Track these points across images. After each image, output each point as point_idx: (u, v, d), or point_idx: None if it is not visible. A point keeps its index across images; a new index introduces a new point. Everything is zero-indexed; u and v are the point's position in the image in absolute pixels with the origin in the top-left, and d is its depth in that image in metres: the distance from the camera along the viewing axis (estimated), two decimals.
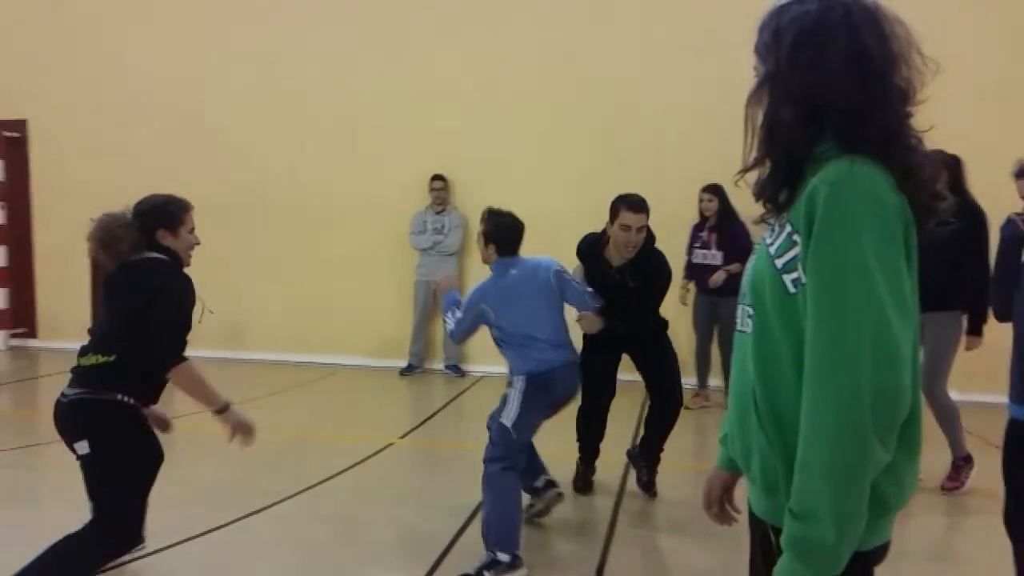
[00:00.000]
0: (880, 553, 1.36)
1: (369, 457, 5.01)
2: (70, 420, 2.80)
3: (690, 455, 5.74)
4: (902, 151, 1.32)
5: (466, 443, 5.45)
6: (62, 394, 2.85)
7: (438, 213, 7.71)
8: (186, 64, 8.26)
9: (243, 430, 2.96)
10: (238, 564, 3.48)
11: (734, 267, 6.20)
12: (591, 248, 4.32)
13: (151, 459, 2.87)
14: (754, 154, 1.41)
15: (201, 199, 8.85)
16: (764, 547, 1.39)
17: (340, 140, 8.03)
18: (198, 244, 3.11)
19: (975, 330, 4.41)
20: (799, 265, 1.30)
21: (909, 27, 1.35)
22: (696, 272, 6.54)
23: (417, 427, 5.93)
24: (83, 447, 2.75)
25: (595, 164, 7.34)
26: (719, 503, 1.63)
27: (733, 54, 8.45)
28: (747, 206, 1.43)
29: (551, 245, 4.45)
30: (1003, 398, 5.28)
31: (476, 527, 3.61)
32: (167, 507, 3.25)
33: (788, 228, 1.33)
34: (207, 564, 3.45)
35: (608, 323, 3.97)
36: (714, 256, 6.40)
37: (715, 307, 6.44)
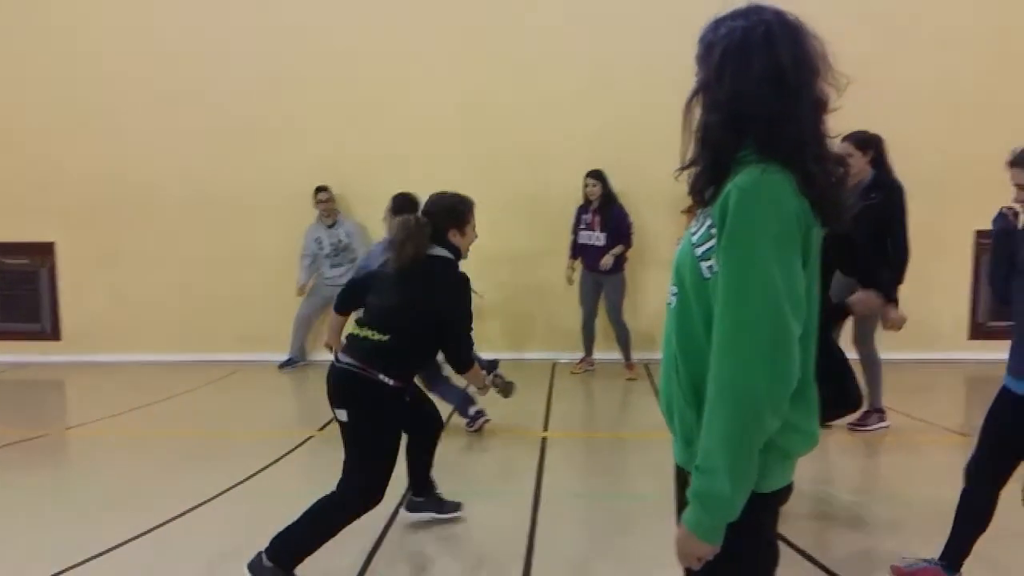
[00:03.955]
0: (785, 493, 1.59)
1: (293, 450, 5.13)
2: (337, 387, 3.18)
3: (579, 421, 6.21)
4: (808, 160, 1.46)
5: None
6: (337, 359, 3.23)
7: (330, 227, 7.43)
8: (75, 51, 7.83)
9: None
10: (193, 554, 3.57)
11: (617, 249, 6.76)
12: None
13: (397, 432, 3.25)
14: (690, 154, 1.62)
15: (89, 195, 8.37)
16: (685, 489, 1.62)
17: (238, 135, 7.76)
18: (476, 239, 3.43)
19: (889, 296, 4.86)
20: (713, 255, 1.47)
21: (825, 43, 1.52)
22: (581, 251, 6.99)
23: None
24: (343, 415, 3.14)
25: (495, 156, 7.51)
26: None
27: (616, 53, 8.76)
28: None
29: None
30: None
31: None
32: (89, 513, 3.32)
33: (708, 222, 1.50)
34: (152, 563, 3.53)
35: None
36: (598, 237, 6.85)
37: (599, 284, 6.94)
